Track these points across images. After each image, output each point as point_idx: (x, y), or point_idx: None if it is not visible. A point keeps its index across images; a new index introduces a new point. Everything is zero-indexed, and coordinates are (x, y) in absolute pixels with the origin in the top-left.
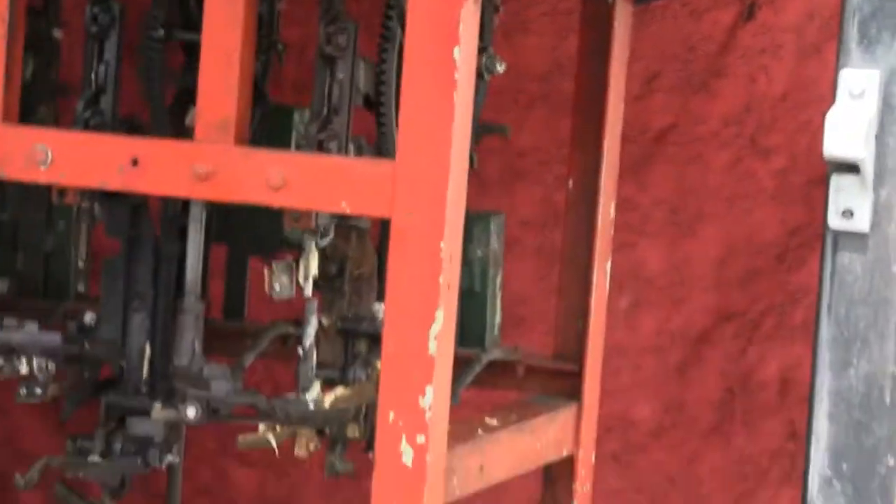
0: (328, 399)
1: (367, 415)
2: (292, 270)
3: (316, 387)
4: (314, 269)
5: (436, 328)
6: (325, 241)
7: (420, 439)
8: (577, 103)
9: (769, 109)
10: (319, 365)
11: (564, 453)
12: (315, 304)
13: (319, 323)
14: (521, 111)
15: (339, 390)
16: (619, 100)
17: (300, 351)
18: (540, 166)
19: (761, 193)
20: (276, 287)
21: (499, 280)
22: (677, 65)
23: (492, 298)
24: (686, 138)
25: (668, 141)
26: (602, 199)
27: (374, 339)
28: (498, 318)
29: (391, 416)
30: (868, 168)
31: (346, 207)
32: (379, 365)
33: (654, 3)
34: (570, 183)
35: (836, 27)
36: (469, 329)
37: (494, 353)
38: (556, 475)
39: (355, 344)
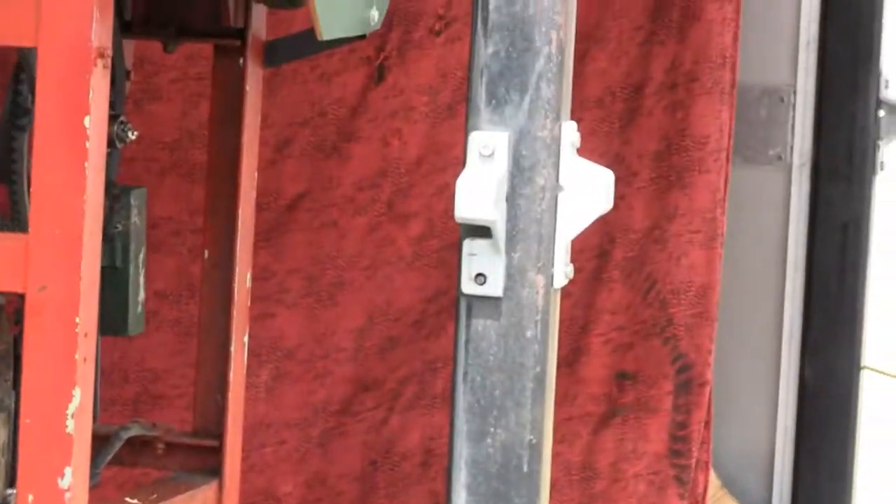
0: None
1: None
2: None
3: None
4: None
5: (73, 406)
6: None
7: None
8: (210, 170)
9: (405, 174)
10: None
11: None
12: None
13: None
14: (154, 180)
15: None
16: (252, 166)
17: None
18: (173, 237)
19: (401, 260)
20: None
21: (141, 256)
22: (308, 130)
23: (134, 275)
24: (319, 204)
25: (301, 207)
26: (238, 269)
27: None
28: (141, 296)
29: (30, 498)
30: (500, 231)
31: None
32: None
33: (283, 65)
34: (206, 253)
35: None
36: (112, 309)
37: (133, 430)
38: None
39: None
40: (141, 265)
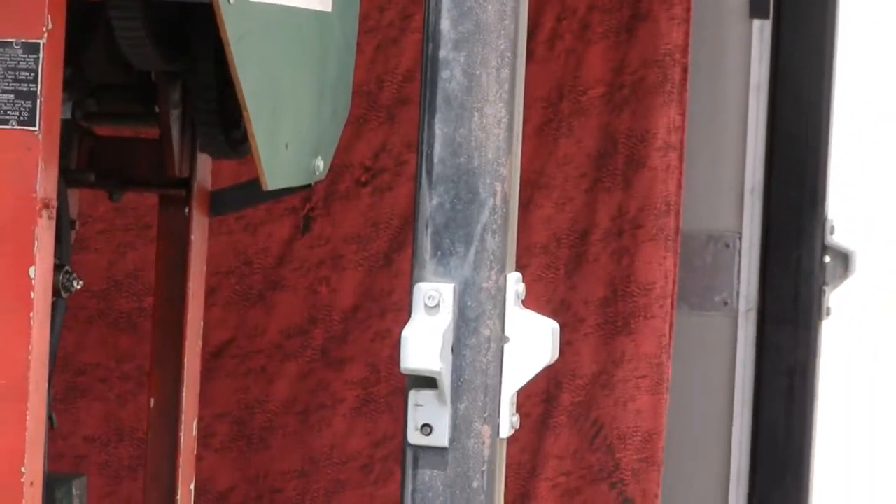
0: None
1: None
2: None
3: None
4: None
5: None
6: None
7: None
8: (156, 318)
9: (339, 321)
10: None
11: None
12: None
13: None
14: (81, 327)
15: None
16: (198, 314)
17: None
18: (101, 383)
19: (340, 404)
20: None
21: None
22: (234, 278)
23: None
24: (245, 351)
25: (226, 354)
26: (184, 417)
27: None
28: None
29: None
30: (445, 381)
31: None
32: None
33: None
34: (152, 401)
35: (403, 236)
36: None
37: None
38: None
39: None
40: None
